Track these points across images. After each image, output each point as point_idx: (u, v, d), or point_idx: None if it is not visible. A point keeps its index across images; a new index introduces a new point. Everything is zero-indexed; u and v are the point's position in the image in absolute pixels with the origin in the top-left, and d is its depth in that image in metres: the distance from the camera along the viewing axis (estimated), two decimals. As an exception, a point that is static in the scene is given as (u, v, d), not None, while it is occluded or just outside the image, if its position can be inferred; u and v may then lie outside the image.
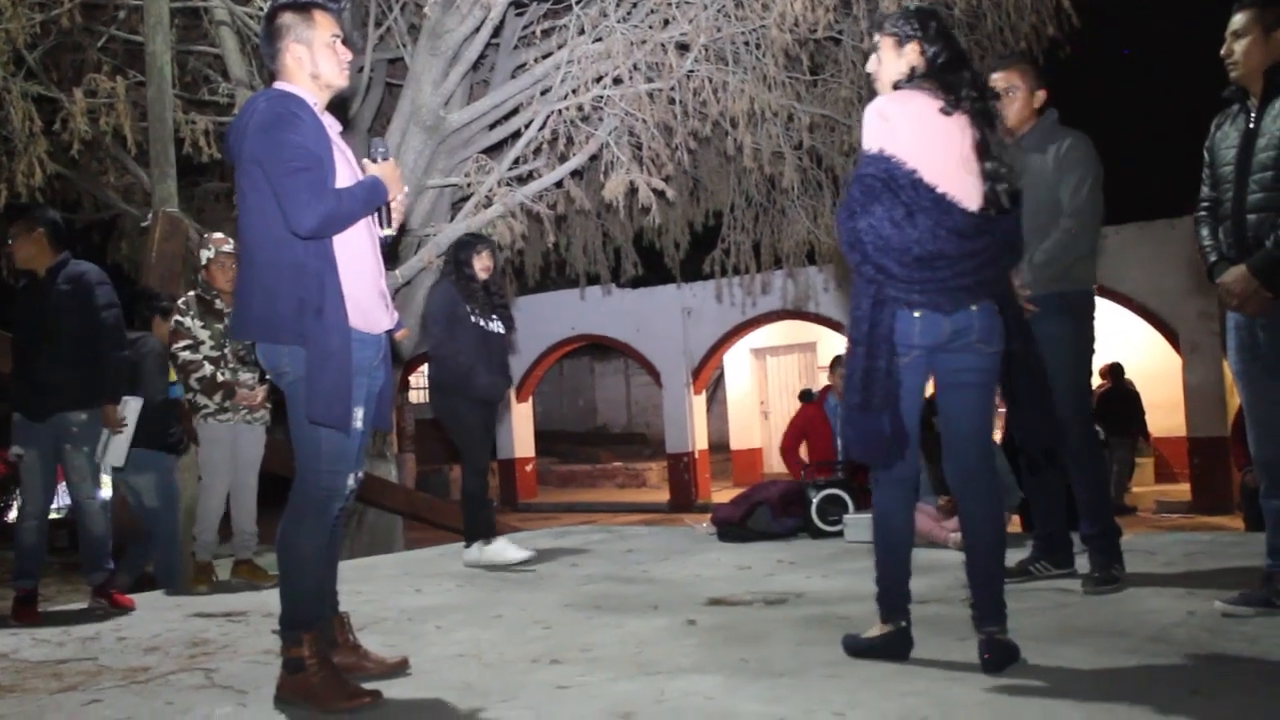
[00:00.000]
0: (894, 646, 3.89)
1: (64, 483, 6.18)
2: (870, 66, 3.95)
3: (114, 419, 6.14)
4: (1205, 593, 4.63)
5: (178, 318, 6.59)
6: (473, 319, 6.79)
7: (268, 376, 6.40)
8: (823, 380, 21.37)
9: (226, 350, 6.57)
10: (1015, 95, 5.10)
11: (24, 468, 5.98)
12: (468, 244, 6.99)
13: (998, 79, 5.10)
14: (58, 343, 5.93)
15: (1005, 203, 3.75)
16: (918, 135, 3.69)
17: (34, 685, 4.18)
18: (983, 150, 3.74)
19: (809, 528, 7.53)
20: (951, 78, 3.77)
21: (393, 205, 3.91)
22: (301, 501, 3.74)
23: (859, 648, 3.96)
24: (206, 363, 6.52)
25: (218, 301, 6.60)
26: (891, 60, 3.84)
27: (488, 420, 7.01)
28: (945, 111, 3.73)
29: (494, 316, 6.95)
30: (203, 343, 6.55)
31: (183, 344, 6.53)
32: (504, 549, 6.77)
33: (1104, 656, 3.73)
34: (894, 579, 3.94)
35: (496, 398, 6.98)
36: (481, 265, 6.88)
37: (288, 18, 3.81)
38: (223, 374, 6.54)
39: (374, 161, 3.86)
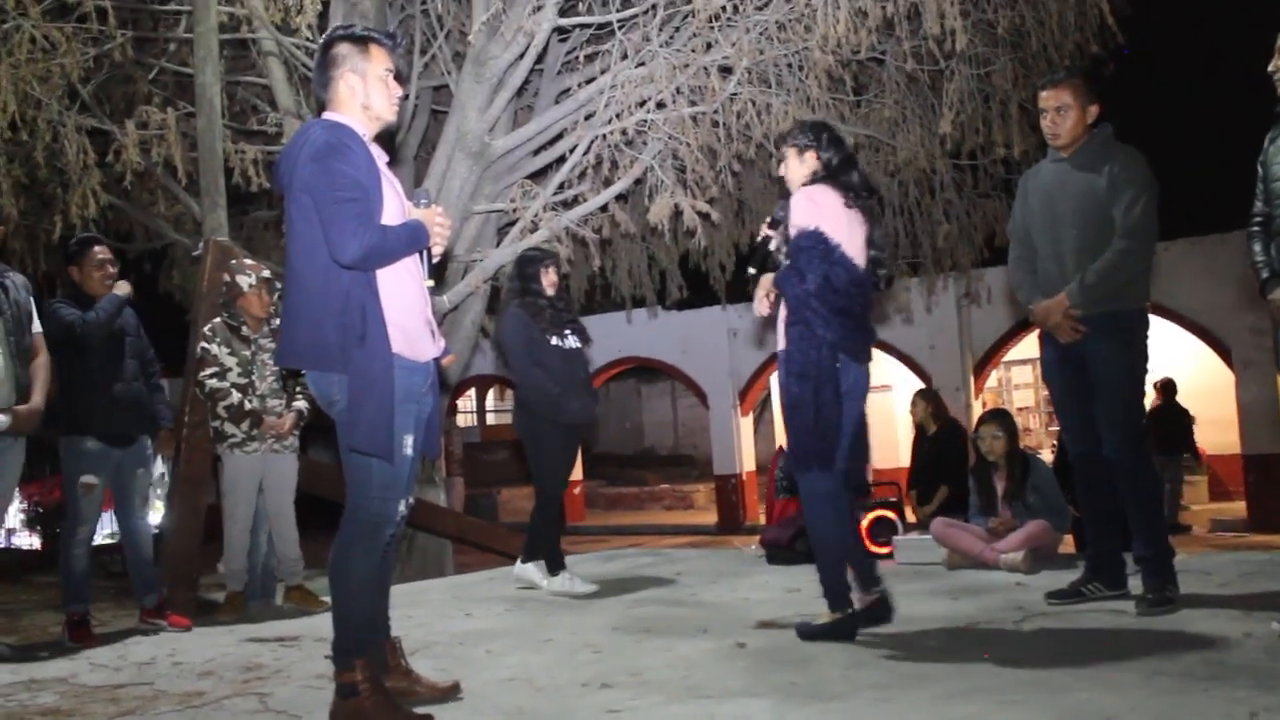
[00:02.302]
0: (843, 630, 4.64)
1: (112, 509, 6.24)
2: (780, 171, 4.92)
3: (170, 444, 6.23)
4: (1262, 614, 4.56)
5: (204, 344, 6.52)
6: (550, 340, 6.65)
7: (297, 404, 6.55)
8: (871, 402, 21.33)
9: (254, 377, 6.53)
10: (1067, 114, 5.03)
11: (90, 496, 5.94)
12: (532, 260, 6.86)
13: (1048, 97, 5.07)
14: (135, 365, 6.05)
15: (882, 286, 4.90)
16: (839, 220, 4.62)
17: (92, 710, 4.22)
18: (870, 241, 4.75)
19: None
20: (844, 178, 4.73)
21: (434, 252, 3.93)
22: (354, 528, 3.77)
23: (813, 633, 4.68)
24: (234, 390, 6.47)
25: (244, 328, 6.57)
26: (796, 166, 4.81)
27: (573, 443, 6.87)
28: (848, 205, 4.67)
29: (567, 332, 6.73)
30: (230, 370, 6.49)
31: (209, 371, 6.46)
32: (569, 583, 6.64)
33: (1158, 679, 3.68)
34: (835, 575, 4.72)
35: (588, 420, 6.85)
36: (549, 281, 6.73)
37: (344, 48, 3.87)
38: (250, 402, 6.49)
39: (416, 207, 3.91)
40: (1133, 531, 5.02)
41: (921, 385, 19.80)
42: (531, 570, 6.76)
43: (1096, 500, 5.20)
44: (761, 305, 4.85)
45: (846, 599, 4.72)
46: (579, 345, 6.80)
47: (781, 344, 4.72)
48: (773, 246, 4.91)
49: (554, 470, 6.73)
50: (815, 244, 4.54)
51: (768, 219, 4.97)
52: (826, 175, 4.73)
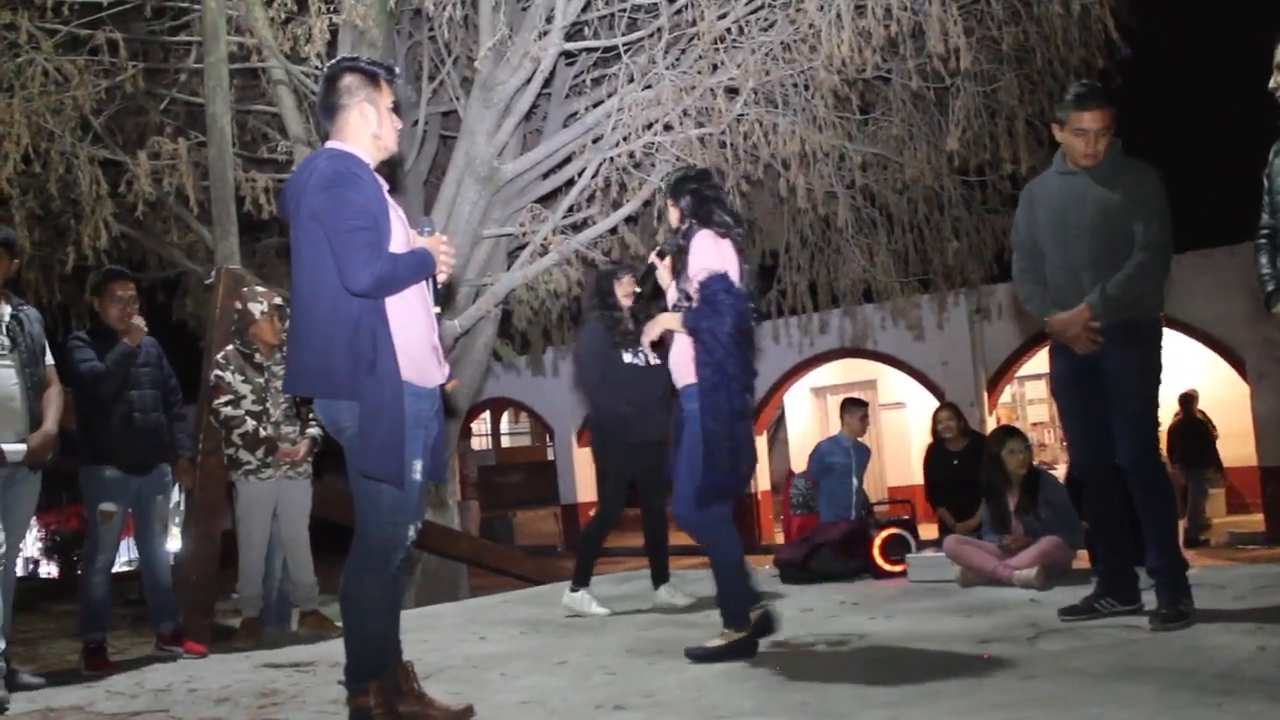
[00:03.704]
0: (746, 648, 4.82)
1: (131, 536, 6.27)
2: (668, 218, 5.19)
3: (190, 472, 6.29)
4: (1276, 628, 4.54)
5: (217, 372, 6.55)
6: (624, 356, 6.58)
7: (311, 430, 6.57)
8: (885, 419, 21.31)
9: (268, 404, 6.55)
10: (1105, 136, 4.97)
11: (109, 524, 5.97)
12: (608, 274, 6.82)
13: (1093, 119, 4.96)
14: (156, 395, 6.10)
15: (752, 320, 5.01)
16: (732, 264, 4.88)
17: (109, 738, 4.25)
18: (743, 275, 4.93)
19: (871, 568, 7.45)
20: (716, 218, 4.97)
21: (439, 279, 4.00)
22: (364, 553, 3.81)
23: (713, 654, 4.81)
24: (248, 417, 6.50)
25: (257, 355, 6.60)
26: (675, 214, 5.11)
27: (639, 463, 6.67)
28: (733, 244, 4.95)
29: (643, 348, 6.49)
30: (244, 397, 6.52)
31: (224, 399, 6.49)
32: (585, 601, 6.64)
33: (1170, 694, 3.66)
34: (737, 595, 4.89)
35: (657, 438, 6.57)
36: (624, 292, 6.66)
37: (356, 79, 3.93)
38: (264, 429, 6.51)
39: (421, 235, 3.97)
40: (1147, 543, 4.97)
41: (936, 402, 19.80)
42: (579, 599, 6.67)
43: (1107, 514, 5.17)
44: (652, 336, 5.15)
45: (745, 618, 4.86)
46: (655, 361, 6.58)
47: (686, 379, 4.93)
48: (659, 275, 5.26)
49: (615, 489, 6.72)
50: (726, 286, 4.77)
51: (656, 248, 5.37)
52: (699, 221, 5.00)
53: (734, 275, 4.85)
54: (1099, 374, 5.00)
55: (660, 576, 6.93)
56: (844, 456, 8.66)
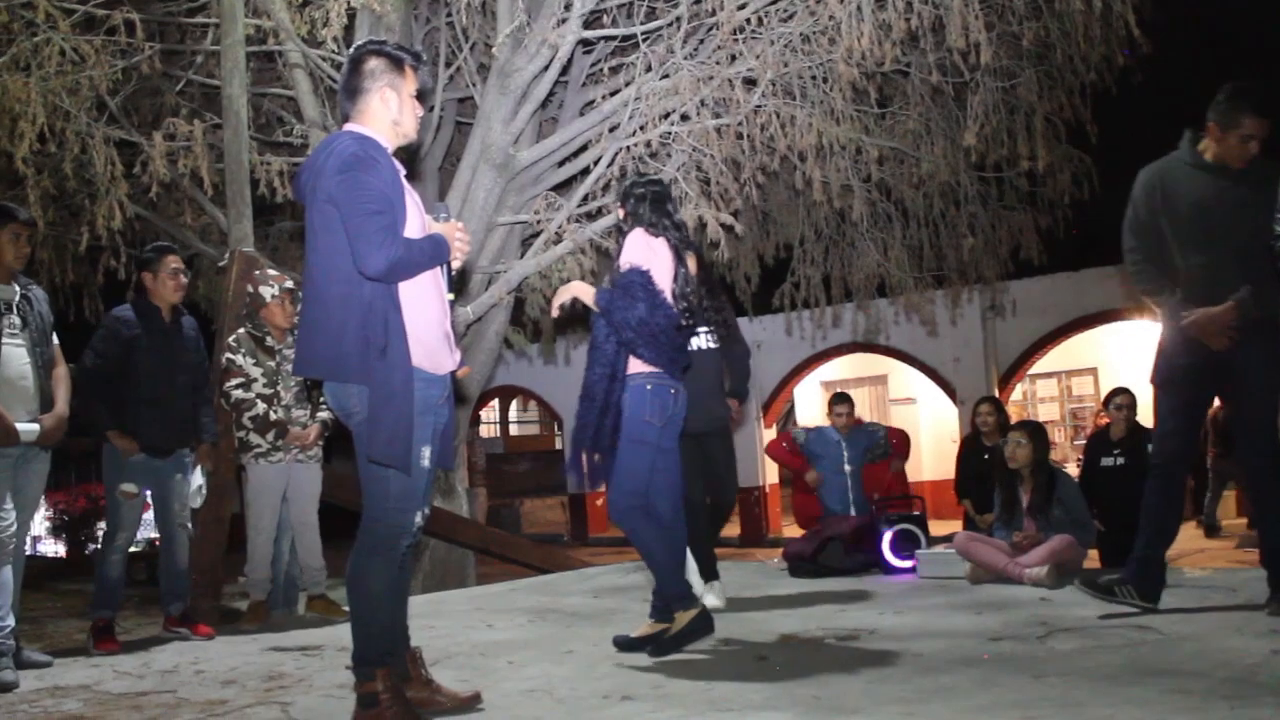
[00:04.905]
0: (698, 629, 4.98)
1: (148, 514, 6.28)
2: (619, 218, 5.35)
3: (210, 457, 6.31)
4: (1290, 630, 4.50)
5: (229, 355, 6.57)
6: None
7: (321, 414, 6.57)
8: (895, 413, 21.26)
9: (279, 388, 6.56)
10: (1257, 142, 5.05)
11: (130, 503, 5.96)
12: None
13: (1257, 126, 5.02)
14: (186, 377, 6.08)
15: (685, 323, 5.11)
16: (665, 266, 5.03)
17: (115, 717, 4.25)
18: (676, 276, 5.06)
19: (881, 563, 7.45)
20: (653, 219, 5.13)
21: (453, 266, 4.00)
22: (370, 539, 3.80)
23: (625, 642, 5.03)
24: (259, 400, 6.51)
25: (269, 338, 6.61)
26: (620, 213, 5.30)
27: (700, 450, 6.24)
28: (670, 245, 5.08)
29: (701, 330, 6.15)
30: (255, 380, 6.54)
31: (235, 382, 6.52)
32: (709, 592, 6.28)
33: (1181, 697, 3.64)
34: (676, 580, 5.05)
35: (702, 429, 6.16)
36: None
37: (379, 63, 3.92)
38: (275, 412, 6.53)
39: (436, 221, 3.97)
40: (1272, 533, 5.06)
41: (947, 398, 19.78)
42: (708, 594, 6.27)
43: (1166, 507, 5.20)
44: (561, 299, 5.23)
45: (669, 613, 5.00)
46: (713, 346, 6.41)
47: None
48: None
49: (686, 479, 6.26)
50: (644, 281, 4.90)
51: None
52: (636, 220, 5.18)
53: (659, 273, 4.97)
54: (1226, 369, 5.05)
55: (709, 573, 6.44)
56: (834, 449, 8.49)
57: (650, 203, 5.18)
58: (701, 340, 6.29)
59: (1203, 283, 5.08)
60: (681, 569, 5.20)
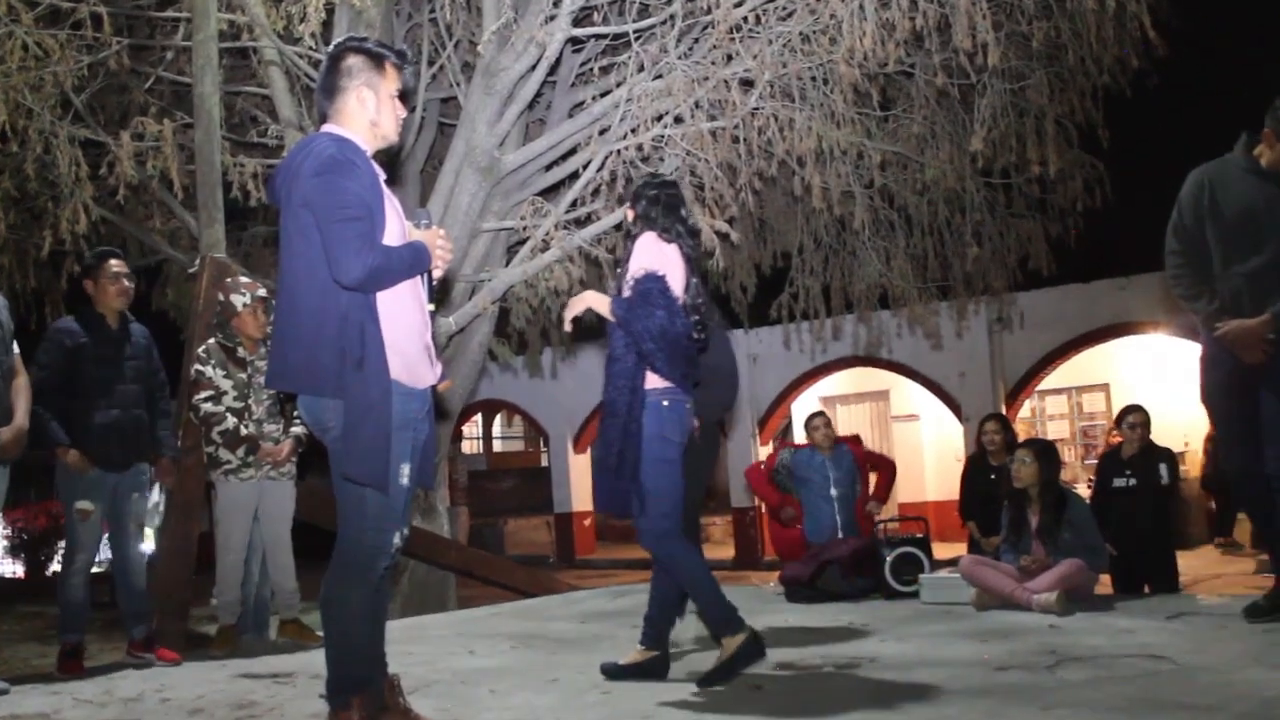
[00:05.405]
0: (656, 669, 4.93)
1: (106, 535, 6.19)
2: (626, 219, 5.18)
3: (171, 472, 6.27)
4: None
5: (198, 367, 6.46)
6: None
7: (295, 429, 6.41)
8: (897, 432, 21.01)
9: (251, 401, 6.44)
10: None
11: (87, 522, 5.87)
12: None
13: None
14: (138, 387, 6.03)
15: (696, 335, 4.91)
16: (676, 268, 4.85)
17: (74, 748, 4.18)
18: (687, 287, 4.89)
19: (882, 588, 7.36)
20: (667, 223, 4.92)
21: (434, 275, 3.92)
22: (347, 560, 3.74)
23: (613, 670, 4.96)
24: (230, 414, 6.38)
25: (240, 349, 6.50)
26: (630, 215, 5.09)
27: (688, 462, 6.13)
28: (682, 252, 4.91)
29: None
30: (225, 393, 6.41)
31: (204, 395, 6.39)
32: None
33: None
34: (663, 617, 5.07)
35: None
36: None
37: (358, 60, 3.87)
38: (246, 427, 6.41)
39: (417, 228, 3.89)
40: None
41: (952, 415, 19.51)
42: None
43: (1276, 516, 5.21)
44: (576, 310, 5.03)
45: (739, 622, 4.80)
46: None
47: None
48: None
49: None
50: (662, 287, 4.72)
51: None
52: (648, 223, 4.96)
53: (674, 281, 4.80)
54: (1260, 380, 5.07)
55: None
56: (818, 473, 8.17)
57: (664, 206, 4.99)
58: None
59: (1243, 291, 5.05)
60: (721, 592, 4.95)
